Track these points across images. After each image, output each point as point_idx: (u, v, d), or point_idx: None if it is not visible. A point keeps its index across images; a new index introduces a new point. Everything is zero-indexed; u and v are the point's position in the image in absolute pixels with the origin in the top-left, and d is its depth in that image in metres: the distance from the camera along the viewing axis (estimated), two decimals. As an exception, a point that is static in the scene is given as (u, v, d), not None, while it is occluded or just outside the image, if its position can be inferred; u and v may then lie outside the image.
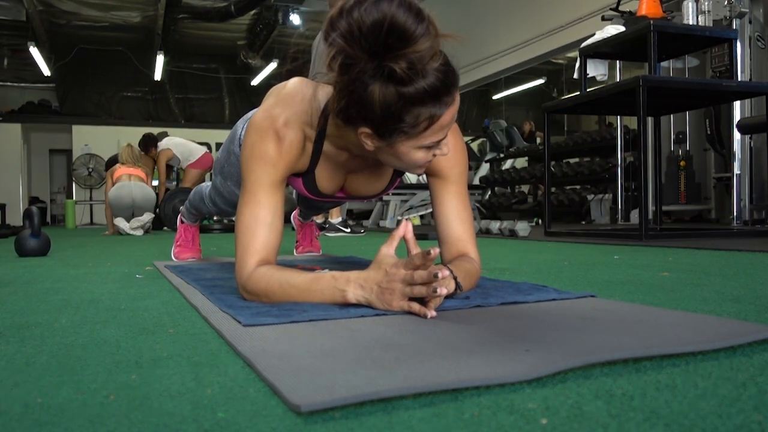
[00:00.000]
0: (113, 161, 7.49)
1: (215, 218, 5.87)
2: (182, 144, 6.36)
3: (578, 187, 7.24)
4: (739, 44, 4.36)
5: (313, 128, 1.13)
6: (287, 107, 1.12)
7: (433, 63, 0.88)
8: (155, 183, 6.37)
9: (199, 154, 6.35)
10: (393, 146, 0.98)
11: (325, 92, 1.15)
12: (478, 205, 7.17)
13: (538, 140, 8.92)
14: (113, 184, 5.64)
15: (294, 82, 1.19)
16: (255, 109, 1.52)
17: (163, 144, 6.29)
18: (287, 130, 1.10)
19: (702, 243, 2.71)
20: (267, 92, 1.29)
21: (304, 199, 1.97)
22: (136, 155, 5.81)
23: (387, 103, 0.90)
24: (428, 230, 4.42)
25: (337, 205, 2.66)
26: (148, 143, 6.27)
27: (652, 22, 3.17)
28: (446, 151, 1.03)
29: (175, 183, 6.98)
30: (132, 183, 5.56)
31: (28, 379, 0.63)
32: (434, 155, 1.03)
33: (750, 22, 4.66)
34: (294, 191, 1.38)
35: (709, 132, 5.18)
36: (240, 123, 1.50)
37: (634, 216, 5.64)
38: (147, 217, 5.51)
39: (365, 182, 1.29)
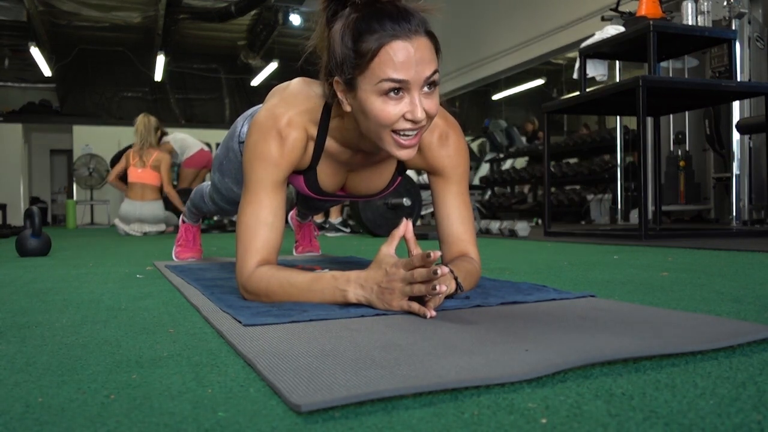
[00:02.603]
0: (116, 160, 7.47)
1: (215, 218, 5.87)
2: (181, 139, 6.35)
3: (578, 187, 7.24)
4: (738, 44, 4.36)
5: (316, 125, 1.13)
6: (290, 107, 1.12)
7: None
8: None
9: (194, 149, 6.31)
10: (357, 97, 0.98)
11: (327, 89, 1.15)
12: (478, 205, 7.17)
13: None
14: (125, 172, 5.52)
15: (297, 81, 1.20)
16: (255, 107, 1.52)
17: (164, 138, 6.28)
18: (290, 130, 1.10)
19: (701, 243, 2.71)
20: (267, 92, 1.30)
21: (305, 198, 1.97)
22: (152, 126, 5.52)
23: (342, 34, 0.96)
24: (428, 230, 4.42)
25: (336, 204, 2.67)
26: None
27: (651, 22, 3.17)
28: (418, 114, 0.96)
29: (175, 183, 6.97)
30: (142, 204, 5.40)
31: (29, 379, 0.64)
32: (406, 125, 0.98)
33: (749, 23, 4.66)
34: (293, 191, 1.38)
35: (708, 132, 5.18)
36: (239, 120, 1.50)
37: (634, 216, 5.64)
38: (151, 228, 5.46)
39: (366, 181, 1.29)
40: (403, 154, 1.02)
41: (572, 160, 7.61)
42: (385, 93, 0.95)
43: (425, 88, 0.97)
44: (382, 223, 4.31)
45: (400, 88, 0.95)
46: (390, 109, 0.96)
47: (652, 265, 1.79)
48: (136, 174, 5.49)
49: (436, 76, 0.98)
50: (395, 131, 0.99)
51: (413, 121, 0.98)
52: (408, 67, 0.94)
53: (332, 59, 0.99)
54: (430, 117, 1.00)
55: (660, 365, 0.64)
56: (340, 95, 1.02)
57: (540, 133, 9.25)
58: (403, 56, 0.93)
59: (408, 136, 1.00)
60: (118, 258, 2.52)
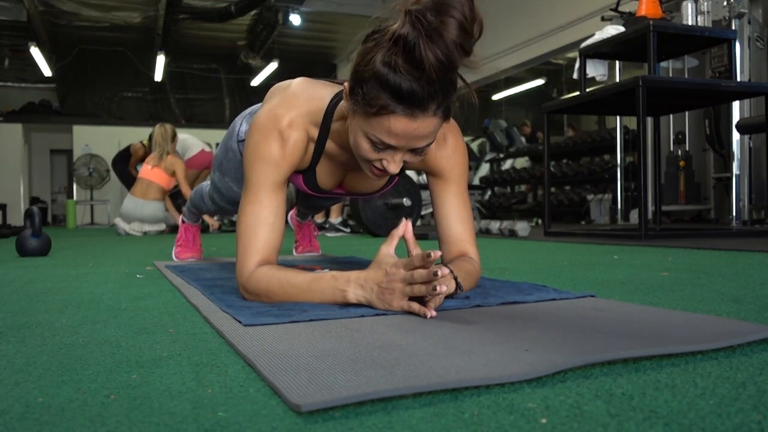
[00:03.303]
0: (117, 160, 7.47)
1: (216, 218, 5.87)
2: (183, 140, 6.35)
3: (578, 187, 7.23)
4: (738, 44, 4.36)
5: (317, 127, 1.13)
6: (291, 107, 1.12)
7: (428, 61, 0.85)
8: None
9: (195, 150, 6.31)
10: (351, 115, 0.99)
11: (329, 91, 1.15)
12: (478, 205, 7.17)
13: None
14: (137, 165, 5.52)
15: (299, 81, 1.20)
16: (254, 106, 1.52)
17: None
18: (291, 131, 1.10)
19: (701, 243, 2.71)
20: (268, 92, 1.30)
21: (304, 197, 1.97)
22: (169, 136, 5.53)
23: (365, 61, 0.92)
24: (428, 230, 4.42)
25: (337, 203, 2.67)
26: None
27: (651, 22, 3.17)
28: (391, 169, 0.99)
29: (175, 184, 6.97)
30: (144, 203, 5.42)
31: (29, 379, 0.64)
32: (381, 166, 1.00)
33: (749, 23, 4.66)
34: (293, 191, 1.39)
35: (708, 132, 5.18)
36: (238, 119, 1.50)
37: (634, 216, 5.64)
38: (150, 228, 5.47)
39: (364, 179, 1.30)
40: (374, 178, 1.07)
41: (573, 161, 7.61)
42: (372, 143, 0.97)
43: (412, 152, 0.99)
44: (381, 223, 4.31)
45: (387, 147, 0.97)
46: (371, 153, 0.99)
47: (652, 265, 1.79)
48: (147, 171, 5.53)
49: (427, 146, 0.99)
50: (372, 165, 1.03)
51: (385, 170, 1.01)
52: (401, 139, 0.95)
53: (354, 72, 0.96)
54: (405, 168, 1.04)
55: (660, 365, 0.64)
56: (344, 97, 1.02)
57: (539, 133, 9.25)
58: (400, 130, 0.93)
59: (382, 171, 1.03)
60: (118, 258, 2.52)
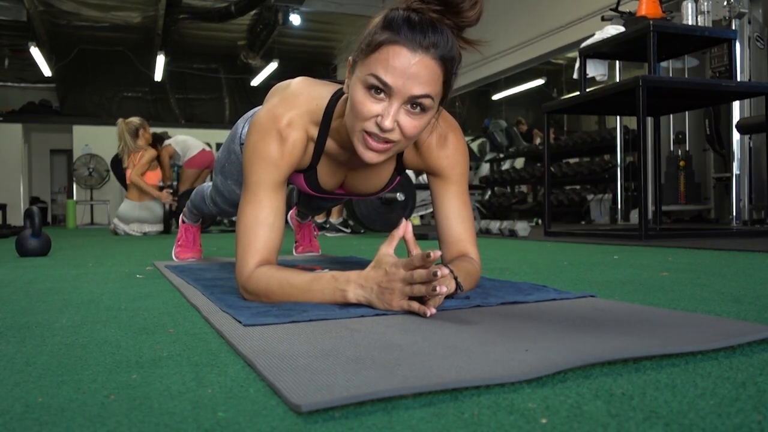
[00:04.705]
0: (117, 162, 7.47)
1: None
2: (182, 141, 6.36)
3: (578, 187, 7.23)
4: (738, 44, 4.36)
5: (317, 126, 1.13)
6: (291, 107, 1.12)
7: (426, 10, 0.92)
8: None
9: (195, 150, 6.32)
10: (351, 81, 1.00)
11: (329, 90, 1.15)
12: (478, 205, 7.17)
13: (538, 140, 8.92)
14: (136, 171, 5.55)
15: (298, 81, 1.20)
16: (256, 108, 1.52)
17: (166, 142, 6.29)
18: (290, 131, 1.10)
19: (701, 243, 2.71)
20: (267, 92, 1.30)
21: (306, 198, 1.97)
22: (130, 131, 5.45)
23: (367, 29, 0.97)
24: (428, 230, 4.43)
25: (336, 204, 2.67)
26: (156, 140, 6.16)
27: (651, 22, 3.17)
28: (386, 123, 0.95)
29: (175, 183, 6.98)
30: (141, 205, 5.44)
31: (29, 379, 0.64)
32: (374, 128, 0.97)
33: (749, 23, 4.67)
34: (293, 191, 1.39)
35: (708, 132, 5.18)
36: (240, 122, 1.50)
37: (634, 216, 5.64)
38: (150, 228, 5.48)
39: (365, 179, 1.30)
40: (368, 156, 1.01)
41: (572, 160, 7.61)
42: (369, 87, 0.95)
43: (409, 106, 0.96)
44: (376, 218, 4.31)
45: (382, 90, 0.95)
46: (367, 104, 0.96)
47: (652, 265, 1.79)
48: (131, 175, 5.57)
49: (425, 101, 0.95)
50: (366, 131, 0.99)
51: (380, 128, 0.97)
52: (397, 75, 0.93)
53: (359, 39, 0.99)
54: (404, 135, 0.98)
55: (660, 365, 0.64)
56: (346, 76, 1.03)
57: (534, 131, 9.26)
58: (398, 63, 0.92)
59: (376, 140, 0.99)
60: (118, 258, 2.52)
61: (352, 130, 1.01)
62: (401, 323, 0.86)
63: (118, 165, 7.45)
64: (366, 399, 0.53)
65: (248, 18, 10.68)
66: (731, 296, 1.14)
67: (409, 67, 0.92)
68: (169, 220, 5.59)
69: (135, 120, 5.58)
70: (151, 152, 5.58)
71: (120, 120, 5.55)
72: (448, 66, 0.96)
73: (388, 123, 0.95)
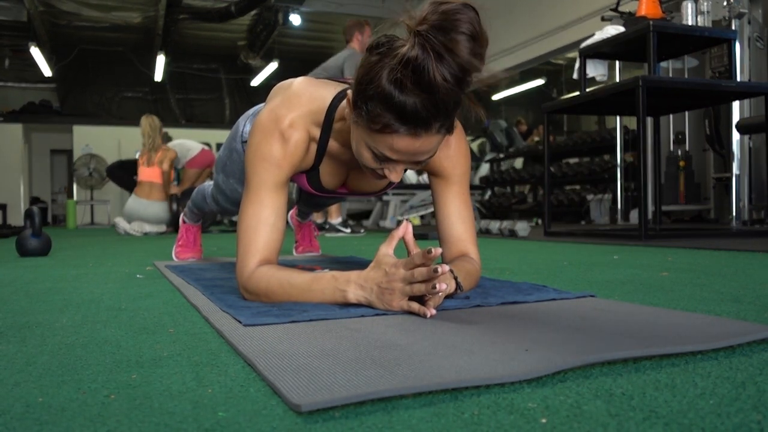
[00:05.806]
0: (116, 167, 7.47)
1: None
2: (180, 143, 6.38)
3: (578, 187, 7.23)
4: (738, 44, 4.36)
5: (319, 127, 1.13)
6: (293, 108, 1.12)
7: (436, 84, 0.84)
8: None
9: (195, 151, 6.33)
10: (354, 126, 0.98)
11: (331, 90, 1.15)
12: (478, 205, 7.17)
13: (536, 139, 8.92)
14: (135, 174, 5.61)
15: (300, 81, 1.19)
16: (257, 106, 1.52)
17: (168, 145, 6.30)
18: (293, 131, 1.10)
19: (701, 243, 2.71)
20: (267, 92, 1.30)
21: (306, 196, 1.97)
22: (158, 126, 5.60)
23: (370, 77, 0.89)
24: (428, 230, 4.42)
25: (338, 201, 2.67)
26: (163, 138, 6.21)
27: (651, 22, 3.17)
28: (392, 178, 1.01)
29: (176, 183, 6.98)
30: (148, 203, 5.47)
31: (29, 379, 0.64)
32: (382, 173, 1.01)
33: (749, 23, 4.66)
34: (294, 190, 1.39)
35: (708, 132, 5.18)
36: (241, 120, 1.50)
37: (634, 216, 5.64)
38: (151, 228, 5.49)
39: (367, 178, 1.30)
40: (381, 183, 1.06)
41: (572, 160, 7.61)
42: (374, 154, 0.97)
43: (414, 163, 1.00)
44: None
45: (389, 160, 0.98)
46: (372, 162, 0.99)
47: (652, 265, 1.79)
48: (145, 172, 5.58)
49: (429, 158, 0.99)
50: (372, 169, 1.03)
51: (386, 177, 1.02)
52: (403, 155, 0.95)
53: (358, 84, 0.93)
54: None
55: (660, 365, 0.64)
56: (347, 104, 1.00)
57: (534, 130, 9.26)
58: (403, 147, 0.93)
59: (383, 173, 1.03)
60: (118, 258, 2.52)
61: (360, 162, 1.03)
62: (401, 323, 0.86)
63: (118, 170, 7.45)
64: (366, 399, 0.53)
65: (248, 18, 10.68)
66: (731, 296, 1.14)
67: (414, 149, 0.94)
68: (177, 218, 5.61)
69: (157, 118, 5.71)
70: (173, 152, 5.70)
71: (150, 117, 5.64)
72: (451, 126, 0.96)
73: (395, 178, 1.01)
